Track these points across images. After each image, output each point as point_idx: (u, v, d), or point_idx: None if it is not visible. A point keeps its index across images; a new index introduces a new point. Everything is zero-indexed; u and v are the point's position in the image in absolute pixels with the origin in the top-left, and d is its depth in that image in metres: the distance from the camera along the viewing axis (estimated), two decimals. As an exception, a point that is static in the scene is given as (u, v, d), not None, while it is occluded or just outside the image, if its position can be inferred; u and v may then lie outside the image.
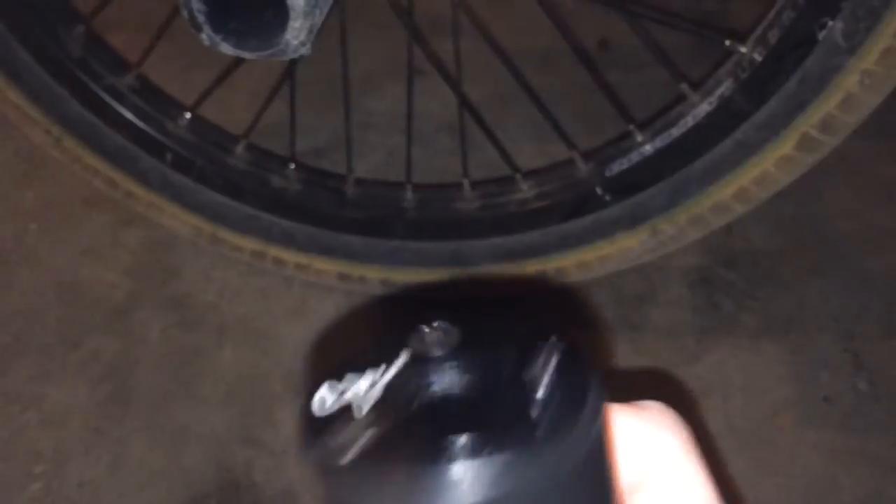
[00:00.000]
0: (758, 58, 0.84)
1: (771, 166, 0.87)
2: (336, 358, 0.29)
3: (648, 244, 0.99)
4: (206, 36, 0.57)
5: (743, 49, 0.85)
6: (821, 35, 0.79)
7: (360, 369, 0.28)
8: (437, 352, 0.28)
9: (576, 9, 1.33)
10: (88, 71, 1.03)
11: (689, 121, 0.91)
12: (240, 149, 1.07)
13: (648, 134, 0.94)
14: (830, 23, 0.78)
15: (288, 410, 1.06)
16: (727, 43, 0.87)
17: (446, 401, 0.27)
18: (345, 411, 0.27)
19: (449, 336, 0.29)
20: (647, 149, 0.94)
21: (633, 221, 0.99)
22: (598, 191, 0.98)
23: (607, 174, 0.97)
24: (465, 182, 1.08)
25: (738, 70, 0.86)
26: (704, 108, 0.89)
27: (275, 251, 1.12)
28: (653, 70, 1.00)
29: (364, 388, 0.27)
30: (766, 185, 0.89)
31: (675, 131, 0.92)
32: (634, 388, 1.04)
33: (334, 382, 0.28)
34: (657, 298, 1.14)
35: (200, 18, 0.56)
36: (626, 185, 0.97)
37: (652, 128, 0.94)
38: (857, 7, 0.76)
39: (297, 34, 0.55)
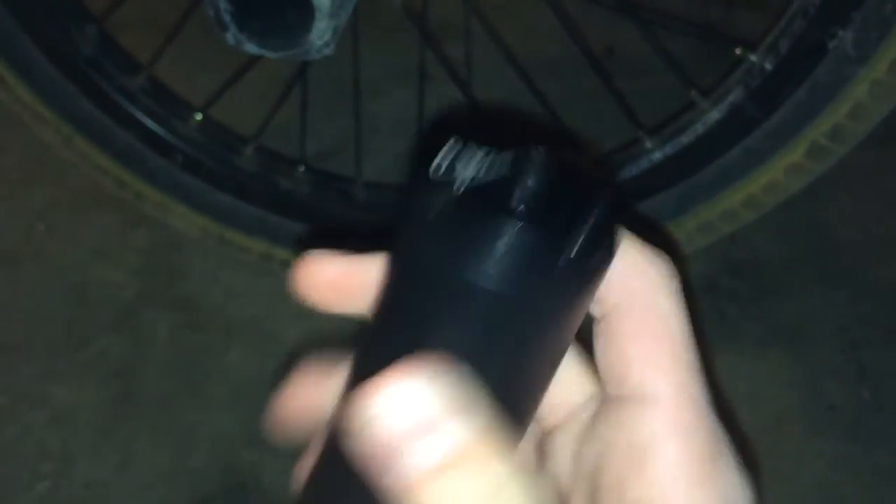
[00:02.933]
0: (768, 66, 0.84)
1: (780, 174, 0.88)
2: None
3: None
4: (232, 35, 0.57)
5: (753, 57, 0.86)
6: (831, 44, 0.79)
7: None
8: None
9: (581, 15, 1.34)
10: (100, 70, 1.03)
11: (698, 128, 0.91)
12: (249, 150, 1.07)
13: (657, 140, 0.95)
14: (841, 32, 0.78)
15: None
16: (738, 51, 0.87)
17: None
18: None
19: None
20: (657, 155, 0.95)
21: (641, 227, 0.99)
22: (607, 196, 0.99)
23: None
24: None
25: (748, 78, 0.87)
26: (714, 115, 0.90)
27: (282, 253, 1.12)
28: (656, 78, 1.01)
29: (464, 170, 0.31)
30: (774, 193, 0.90)
31: (685, 138, 0.92)
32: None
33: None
34: (662, 305, 1.14)
35: (226, 18, 0.56)
36: (635, 192, 0.97)
37: (661, 134, 0.95)
38: (868, 17, 0.77)
39: (321, 34, 0.56)
